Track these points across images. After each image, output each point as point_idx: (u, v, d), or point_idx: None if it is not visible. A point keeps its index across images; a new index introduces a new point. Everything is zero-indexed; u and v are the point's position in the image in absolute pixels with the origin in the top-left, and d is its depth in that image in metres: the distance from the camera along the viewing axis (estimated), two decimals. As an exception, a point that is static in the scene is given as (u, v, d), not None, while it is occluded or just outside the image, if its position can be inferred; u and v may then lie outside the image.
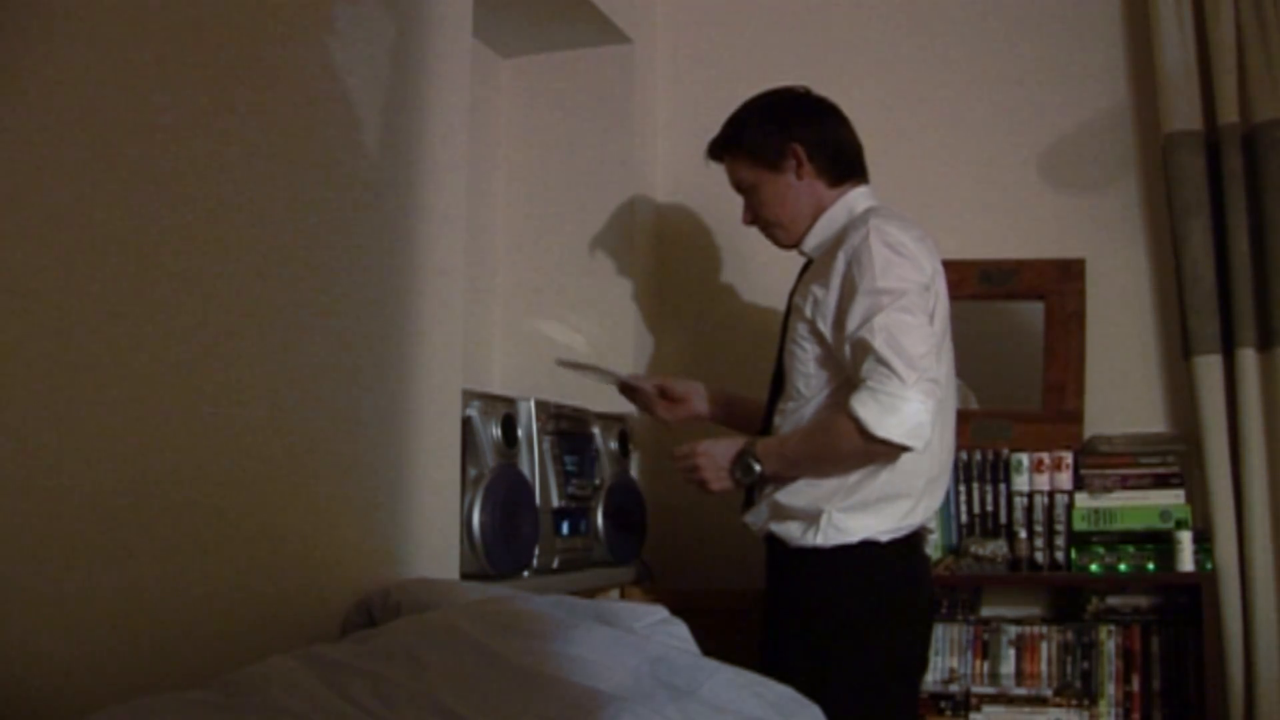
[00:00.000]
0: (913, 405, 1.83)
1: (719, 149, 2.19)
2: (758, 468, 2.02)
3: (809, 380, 2.03)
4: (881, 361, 1.84)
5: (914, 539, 2.05)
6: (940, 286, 2.00)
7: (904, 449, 1.87)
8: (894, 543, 1.99)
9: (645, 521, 2.64)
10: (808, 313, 2.01)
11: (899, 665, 2.03)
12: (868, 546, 1.97)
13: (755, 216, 2.18)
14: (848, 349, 1.92)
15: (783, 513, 2.02)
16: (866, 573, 1.97)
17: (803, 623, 2.00)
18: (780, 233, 2.15)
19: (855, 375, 1.90)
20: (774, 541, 2.06)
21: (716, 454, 2.07)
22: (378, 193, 1.87)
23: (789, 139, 2.09)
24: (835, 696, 1.70)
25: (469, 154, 2.15)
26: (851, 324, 1.90)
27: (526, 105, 3.04)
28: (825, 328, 1.98)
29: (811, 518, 1.98)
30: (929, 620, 2.18)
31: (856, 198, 2.10)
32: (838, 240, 2.01)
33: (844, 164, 2.12)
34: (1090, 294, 2.70)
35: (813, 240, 2.11)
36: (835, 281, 1.96)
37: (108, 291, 1.38)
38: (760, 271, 2.88)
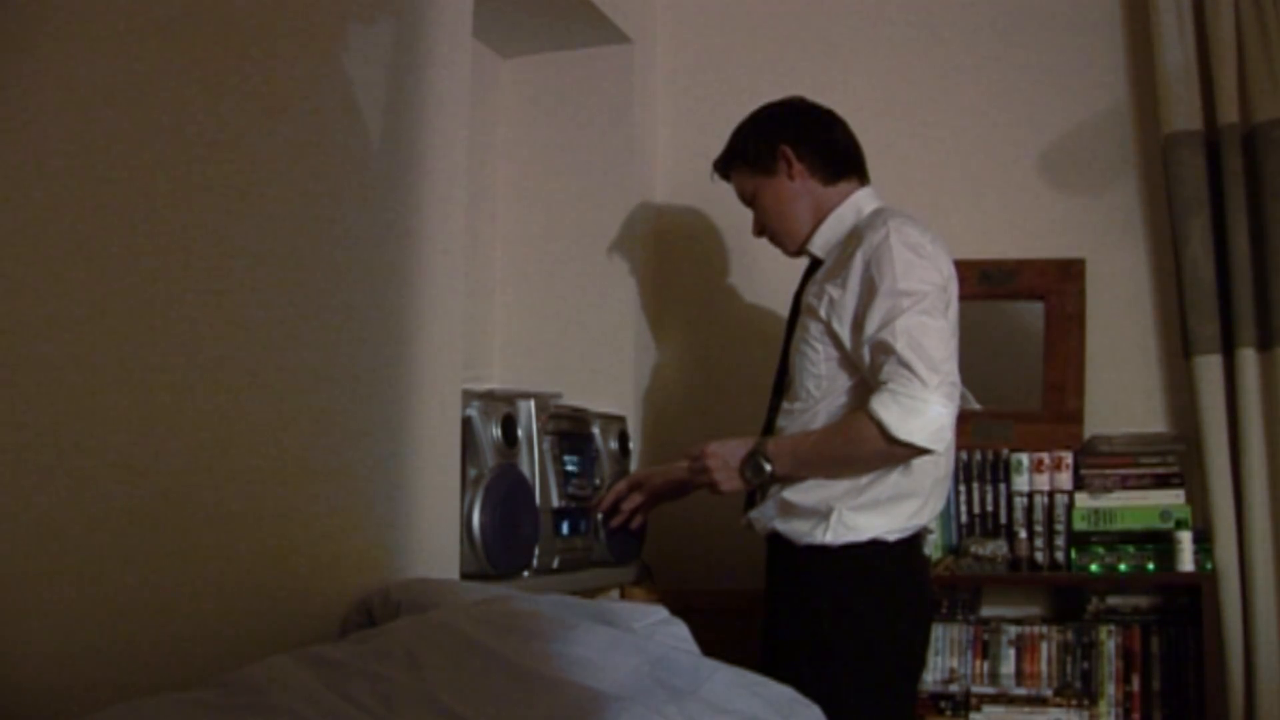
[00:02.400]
0: (935, 409, 1.83)
1: (723, 165, 2.23)
2: (768, 468, 2.02)
3: (820, 381, 2.02)
4: (903, 364, 1.84)
5: (916, 539, 2.05)
6: (954, 290, 2.00)
7: (925, 452, 1.87)
8: (900, 542, 1.99)
9: (645, 521, 2.64)
10: (822, 313, 2.00)
11: (902, 664, 2.03)
12: (875, 545, 1.97)
13: (762, 226, 2.20)
14: (866, 351, 1.91)
15: (791, 510, 2.02)
16: (873, 571, 1.97)
17: (808, 621, 2.00)
18: (785, 238, 2.17)
19: (874, 377, 1.90)
20: (778, 540, 2.06)
21: (726, 454, 2.08)
22: (378, 193, 1.87)
23: (778, 140, 2.12)
24: (840, 694, 1.70)
25: (469, 154, 2.15)
26: (871, 326, 1.90)
27: (526, 105, 3.04)
28: (841, 328, 1.97)
29: (821, 515, 1.98)
30: (929, 619, 2.18)
31: (863, 198, 2.11)
32: (852, 239, 2.01)
33: (836, 161, 2.13)
34: (1090, 294, 2.71)
35: (820, 240, 2.11)
36: (853, 281, 1.95)
37: (107, 290, 1.38)
38: (761, 271, 2.89)
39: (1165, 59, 2.63)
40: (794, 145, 2.11)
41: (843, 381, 2.00)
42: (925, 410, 1.83)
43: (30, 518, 1.27)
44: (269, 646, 1.50)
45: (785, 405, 2.10)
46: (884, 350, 1.87)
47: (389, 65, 1.91)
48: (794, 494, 2.02)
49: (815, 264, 2.14)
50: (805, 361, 2.04)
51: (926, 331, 1.86)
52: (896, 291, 1.89)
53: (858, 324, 1.94)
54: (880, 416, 1.84)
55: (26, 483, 1.27)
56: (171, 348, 1.46)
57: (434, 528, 1.96)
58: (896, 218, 1.98)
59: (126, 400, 1.40)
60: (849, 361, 1.98)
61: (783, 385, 2.15)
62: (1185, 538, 2.48)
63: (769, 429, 2.14)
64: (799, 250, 2.16)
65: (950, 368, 1.88)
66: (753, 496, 2.13)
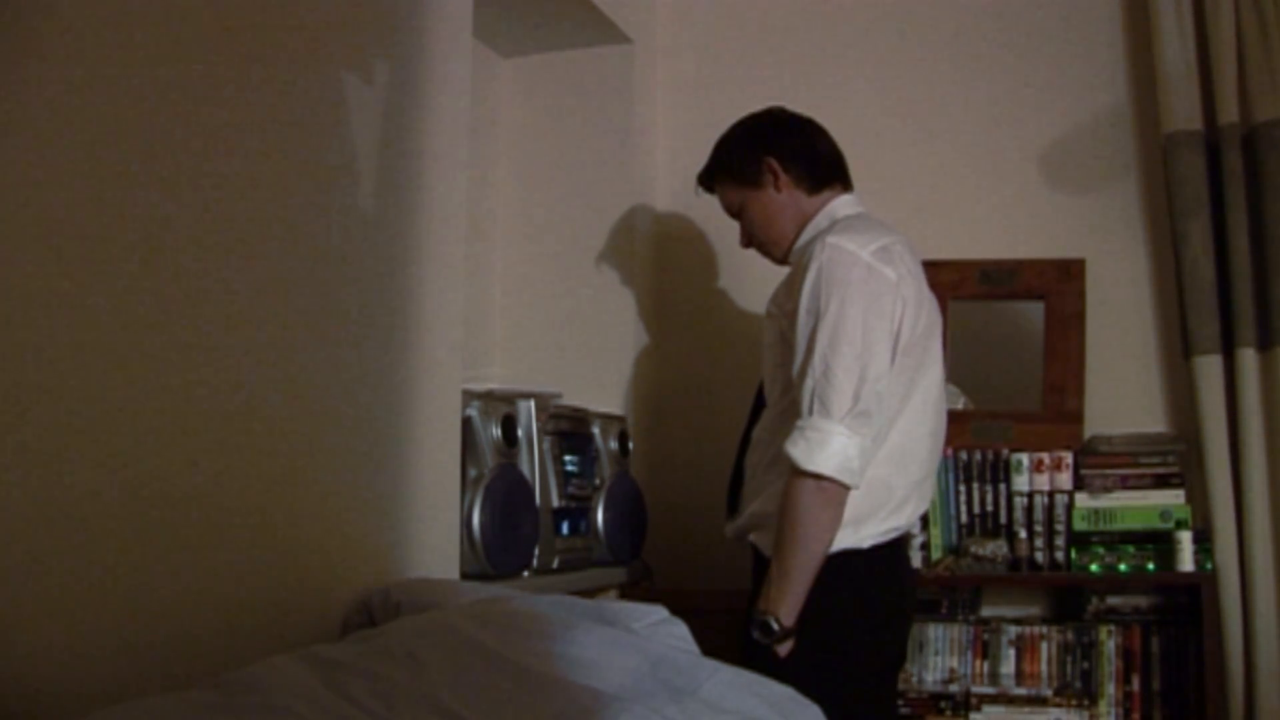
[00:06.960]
0: (838, 440, 1.82)
1: (707, 178, 2.23)
2: (775, 625, 1.89)
3: (783, 386, 2.03)
4: (813, 395, 1.85)
5: (896, 544, 2.03)
6: (908, 292, 1.95)
7: (836, 483, 1.84)
8: (876, 548, 1.96)
9: (645, 521, 2.64)
10: (780, 318, 2.02)
11: (878, 665, 2.02)
12: (849, 555, 1.94)
13: (750, 238, 2.21)
14: (794, 370, 1.92)
15: (762, 521, 2.01)
16: (847, 579, 1.93)
17: None
18: (773, 248, 2.18)
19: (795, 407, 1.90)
20: (756, 549, 2.06)
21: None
22: (378, 193, 1.87)
23: (763, 153, 2.12)
24: (816, 698, 1.69)
25: (469, 154, 2.15)
26: (800, 349, 1.91)
27: (526, 105, 3.04)
28: (791, 333, 1.97)
29: None
30: (909, 617, 2.16)
31: (839, 205, 2.11)
32: (809, 251, 2.00)
33: (821, 171, 2.13)
34: (1090, 294, 2.71)
35: (799, 248, 2.12)
36: (798, 293, 1.94)
37: (108, 291, 1.38)
38: (761, 271, 2.86)
39: (1165, 59, 2.63)
40: (779, 157, 2.11)
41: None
42: (829, 442, 1.82)
43: (29, 518, 1.27)
44: (269, 646, 1.50)
45: (765, 411, 2.10)
46: (801, 376, 1.88)
47: (389, 64, 1.91)
48: (763, 504, 2.00)
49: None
50: (771, 366, 2.05)
51: (841, 361, 1.85)
52: (819, 316, 1.88)
53: (793, 338, 1.94)
54: (789, 452, 1.85)
55: (25, 483, 1.27)
56: (170, 349, 1.46)
57: (434, 528, 1.96)
58: (838, 232, 1.97)
59: (126, 402, 1.40)
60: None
61: (761, 395, 2.15)
62: (1185, 538, 2.48)
63: (745, 440, 2.14)
64: (784, 258, 2.17)
65: (866, 393, 1.85)
66: (734, 506, 2.13)
